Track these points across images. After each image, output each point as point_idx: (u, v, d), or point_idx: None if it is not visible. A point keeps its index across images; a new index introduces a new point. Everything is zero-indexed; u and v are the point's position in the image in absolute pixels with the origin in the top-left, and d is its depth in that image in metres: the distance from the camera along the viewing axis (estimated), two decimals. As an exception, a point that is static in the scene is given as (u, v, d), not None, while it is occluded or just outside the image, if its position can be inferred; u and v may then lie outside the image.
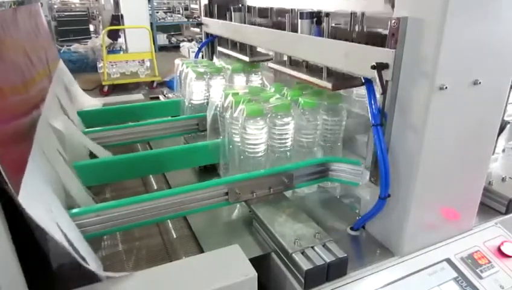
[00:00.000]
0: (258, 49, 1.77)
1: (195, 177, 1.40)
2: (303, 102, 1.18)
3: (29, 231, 0.70)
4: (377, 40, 0.96)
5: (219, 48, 1.99)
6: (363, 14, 1.08)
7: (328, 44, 1.07)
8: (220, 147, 1.28)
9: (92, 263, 0.74)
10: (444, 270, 0.95)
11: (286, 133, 1.17)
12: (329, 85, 1.10)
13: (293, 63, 1.32)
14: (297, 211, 1.04)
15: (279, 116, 1.14)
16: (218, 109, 1.31)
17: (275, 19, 1.57)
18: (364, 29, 1.09)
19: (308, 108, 1.18)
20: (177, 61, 1.82)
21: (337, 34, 1.13)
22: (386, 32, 0.86)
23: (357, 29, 1.09)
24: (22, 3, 1.30)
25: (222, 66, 1.70)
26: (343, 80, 1.12)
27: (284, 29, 1.32)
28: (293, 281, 0.87)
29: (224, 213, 1.15)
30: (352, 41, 1.05)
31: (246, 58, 1.65)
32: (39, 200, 0.73)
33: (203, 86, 1.59)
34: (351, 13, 1.09)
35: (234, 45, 1.82)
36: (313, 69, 1.23)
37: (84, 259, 0.71)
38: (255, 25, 1.64)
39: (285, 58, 1.36)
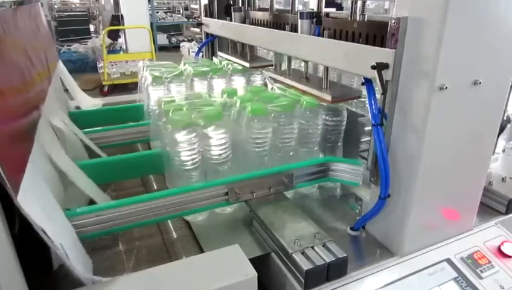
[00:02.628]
0: (259, 54, 1.77)
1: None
2: (305, 102, 1.18)
3: (30, 231, 0.70)
4: (377, 29, 0.96)
5: (219, 54, 1.99)
6: (364, 2, 1.08)
7: (328, 44, 1.07)
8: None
9: (81, 267, 0.74)
10: (444, 270, 0.95)
11: (266, 138, 1.13)
12: (328, 97, 1.10)
13: (293, 73, 1.32)
14: (298, 211, 1.04)
15: (255, 120, 1.11)
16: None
17: (275, 12, 1.57)
18: (365, 19, 1.09)
19: (310, 108, 1.18)
20: (141, 63, 1.72)
21: (337, 25, 1.13)
22: (387, 20, 0.86)
23: (358, 19, 1.09)
24: (22, 3, 1.30)
25: (223, 66, 1.70)
26: (343, 92, 1.12)
27: (284, 24, 1.32)
28: (293, 281, 0.87)
29: (224, 213, 1.15)
30: (353, 32, 1.04)
31: (246, 64, 1.65)
32: (37, 201, 0.73)
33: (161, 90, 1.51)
34: (352, 1, 1.08)
35: (234, 50, 1.82)
36: (313, 80, 1.23)
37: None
38: (255, 19, 1.64)
39: (285, 68, 1.36)
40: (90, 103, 1.91)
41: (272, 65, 1.61)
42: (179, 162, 1.08)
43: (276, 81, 1.35)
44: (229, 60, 1.80)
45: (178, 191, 0.99)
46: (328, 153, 1.26)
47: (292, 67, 1.35)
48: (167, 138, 1.08)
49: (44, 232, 0.65)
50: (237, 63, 1.71)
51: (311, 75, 1.25)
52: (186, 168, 1.09)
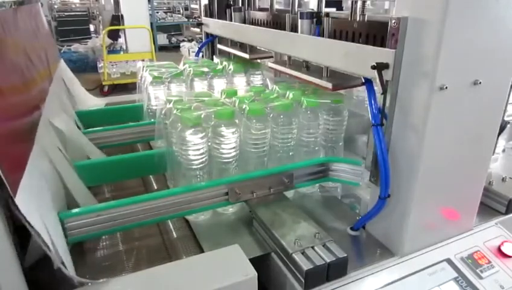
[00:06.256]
0: (258, 47, 1.77)
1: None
2: (306, 102, 1.17)
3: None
4: (377, 29, 0.97)
5: (219, 46, 1.99)
6: (364, 2, 1.08)
7: (328, 44, 1.07)
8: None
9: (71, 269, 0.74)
10: (444, 270, 0.95)
11: (264, 139, 1.13)
12: (329, 85, 1.09)
13: (293, 63, 1.32)
14: (297, 211, 1.04)
15: (254, 121, 1.11)
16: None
17: (275, 12, 1.57)
18: (365, 19, 1.08)
19: (310, 107, 1.18)
20: (140, 63, 1.73)
21: (337, 25, 1.12)
22: (387, 20, 0.86)
23: (358, 19, 1.08)
24: (22, 3, 1.31)
25: (224, 65, 1.70)
26: (343, 80, 1.12)
27: (284, 23, 1.32)
28: (293, 281, 0.87)
29: (225, 213, 1.15)
30: (353, 32, 1.04)
31: (246, 56, 1.65)
32: (35, 203, 0.72)
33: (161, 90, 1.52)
34: (352, 1, 1.08)
35: (234, 42, 1.82)
36: (314, 69, 1.23)
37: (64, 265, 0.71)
38: (255, 19, 1.64)
39: (286, 58, 1.36)
40: (92, 102, 1.91)
41: (271, 57, 1.61)
42: (186, 161, 1.08)
43: (276, 71, 1.35)
44: (228, 52, 1.80)
45: (178, 191, 0.99)
46: (329, 153, 1.26)
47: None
48: (175, 136, 1.08)
49: (39, 234, 0.65)
50: (237, 55, 1.71)
51: (311, 64, 1.24)
52: (194, 167, 1.09)
